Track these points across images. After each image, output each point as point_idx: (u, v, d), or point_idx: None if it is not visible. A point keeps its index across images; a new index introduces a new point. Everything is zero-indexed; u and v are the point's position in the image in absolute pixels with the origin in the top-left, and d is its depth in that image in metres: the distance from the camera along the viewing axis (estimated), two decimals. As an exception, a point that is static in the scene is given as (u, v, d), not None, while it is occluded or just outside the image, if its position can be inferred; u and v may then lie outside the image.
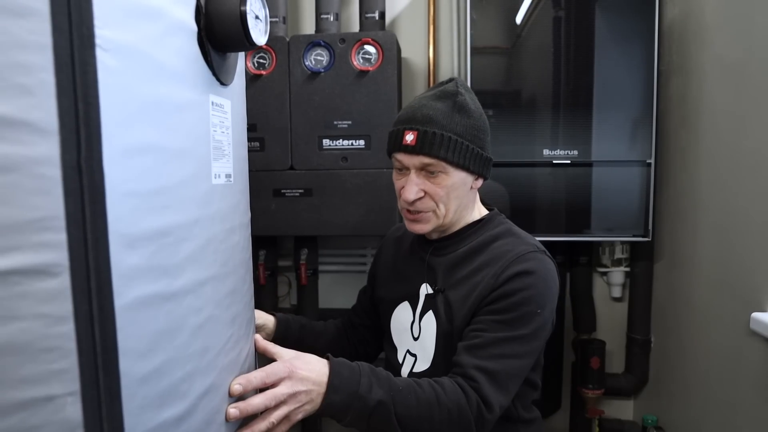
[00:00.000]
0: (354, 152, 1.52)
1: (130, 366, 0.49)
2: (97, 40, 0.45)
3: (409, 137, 0.94)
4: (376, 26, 1.59)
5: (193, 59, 0.59)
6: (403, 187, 0.98)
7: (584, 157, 1.50)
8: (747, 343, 1.11)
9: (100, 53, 0.46)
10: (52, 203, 0.44)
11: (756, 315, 1.06)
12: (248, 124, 1.53)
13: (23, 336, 0.43)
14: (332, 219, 1.55)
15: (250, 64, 1.52)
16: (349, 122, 1.51)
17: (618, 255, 1.68)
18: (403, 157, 0.97)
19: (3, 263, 0.42)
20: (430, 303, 1.03)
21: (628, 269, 1.71)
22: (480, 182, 1.03)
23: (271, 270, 1.75)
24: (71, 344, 0.45)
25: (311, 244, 1.74)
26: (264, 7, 0.66)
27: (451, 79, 1.01)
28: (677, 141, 1.50)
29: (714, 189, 1.29)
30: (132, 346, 0.50)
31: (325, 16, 1.59)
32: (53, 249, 0.44)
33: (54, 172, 0.44)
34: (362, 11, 1.60)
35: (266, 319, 1.11)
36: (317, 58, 1.52)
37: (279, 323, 1.12)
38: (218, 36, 0.61)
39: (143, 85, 0.51)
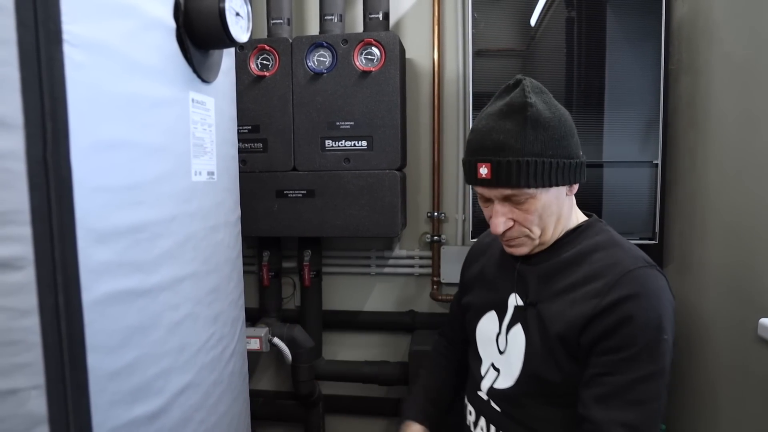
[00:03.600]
0: (356, 153, 1.52)
1: (99, 361, 0.49)
2: (65, 36, 0.45)
3: (483, 170, 0.84)
4: (380, 27, 1.59)
5: (172, 56, 0.60)
6: (491, 216, 0.89)
7: (590, 158, 1.47)
8: (755, 350, 1.07)
9: (67, 48, 0.46)
10: (17, 197, 0.44)
11: (764, 321, 1.03)
12: (251, 125, 1.56)
13: (-15, 328, 0.43)
14: (334, 220, 1.54)
15: (253, 66, 1.53)
16: (352, 123, 1.51)
17: (627, 258, 1.64)
18: (482, 190, 0.88)
19: (-34, 256, 0.42)
20: (519, 315, 0.93)
21: (637, 273, 1.67)
22: (576, 187, 0.89)
23: (276, 271, 1.76)
24: (35, 338, 0.45)
25: (315, 245, 1.74)
26: (246, 5, 0.66)
27: (517, 82, 0.86)
28: (686, 141, 1.46)
29: (722, 191, 1.25)
30: (102, 341, 0.50)
31: (329, 18, 1.59)
32: (17, 242, 0.44)
33: (19, 167, 0.44)
34: (366, 12, 1.60)
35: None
36: (320, 59, 1.52)
37: (425, 426, 1.09)
38: (198, 33, 0.61)
39: (115, 81, 0.51)
